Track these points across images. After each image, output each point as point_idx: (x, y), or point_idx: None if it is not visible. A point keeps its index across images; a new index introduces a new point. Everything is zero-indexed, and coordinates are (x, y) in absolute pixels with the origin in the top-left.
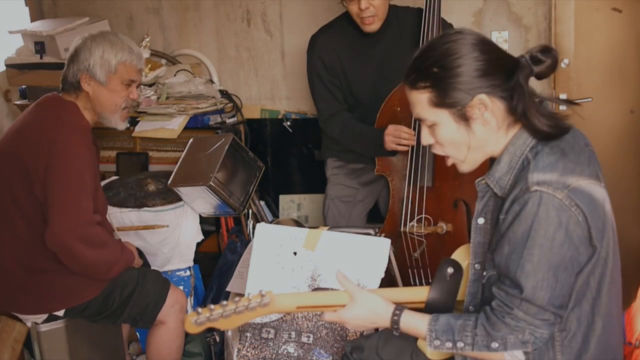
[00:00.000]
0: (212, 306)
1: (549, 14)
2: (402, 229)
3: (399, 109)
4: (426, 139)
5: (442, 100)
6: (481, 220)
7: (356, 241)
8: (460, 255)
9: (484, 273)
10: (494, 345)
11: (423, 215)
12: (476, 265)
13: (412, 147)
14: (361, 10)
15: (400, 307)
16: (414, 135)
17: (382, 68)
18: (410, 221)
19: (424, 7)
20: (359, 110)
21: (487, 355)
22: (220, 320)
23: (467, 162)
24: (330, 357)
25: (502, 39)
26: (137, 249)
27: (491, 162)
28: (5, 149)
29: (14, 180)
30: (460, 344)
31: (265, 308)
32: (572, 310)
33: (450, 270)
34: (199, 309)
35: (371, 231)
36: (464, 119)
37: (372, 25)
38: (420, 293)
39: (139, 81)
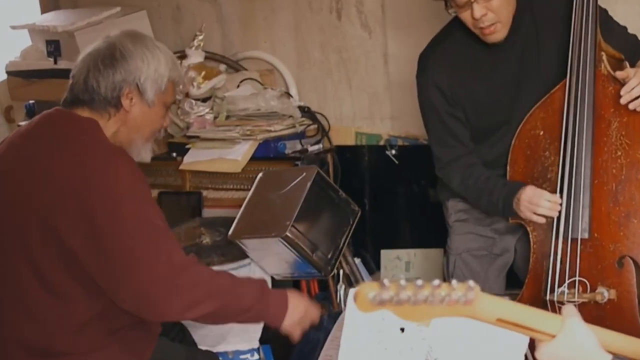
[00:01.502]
0: (402, 282)
1: None
2: (547, 297)
3: (541, 132)
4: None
5: None
6: None
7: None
8: None
9: None
10: None
11: (577, 278)
12: None
13: (561, 184)
14: (476, 20)
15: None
16: (559, 203)
17: (519, 84)
18: (560, 286)
19: None
20: (488, 143)
21: None
22: (405, 306)
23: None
24: None
25: None
26: (180, 323)
27: None
28: (10, 196)
29: (34, 241)
30: None
31: (467, 307)
32: None
33: None
34: (385, 281)
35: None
36: None
37: (496, 35)
38: None
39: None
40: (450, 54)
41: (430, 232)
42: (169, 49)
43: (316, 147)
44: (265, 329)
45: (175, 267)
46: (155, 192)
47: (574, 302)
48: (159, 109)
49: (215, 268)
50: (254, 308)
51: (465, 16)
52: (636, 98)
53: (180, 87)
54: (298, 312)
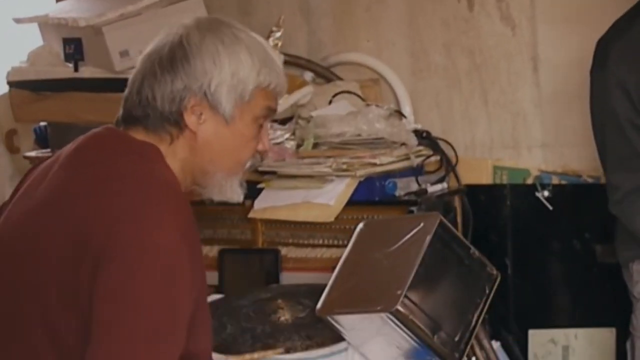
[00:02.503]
0: None
1: None
2: None
3: None
4: None
5: None
6: None
7: None
8: None
9: None
10: None
11: None
12: None
13: None
14: None
15: None
16: None
17: None
18: None
19: None
20: None
21: None
22: None
23: None
24: None
25: None
26: None
27: None
28: (28, 237)
29: (50, 292)
30: None
31: None
32: None
33: None
34: None
35: None
36: None
37: None
38: None
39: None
40: (638, 46)
41: (597, 306)
42: None
43: (439, 186)
44: None
45: None
46: (214, 250)
47: None
48: (244, 126)
49: (299, 355)
50: None
51: None
52: None
53: (283, 93)
54: None
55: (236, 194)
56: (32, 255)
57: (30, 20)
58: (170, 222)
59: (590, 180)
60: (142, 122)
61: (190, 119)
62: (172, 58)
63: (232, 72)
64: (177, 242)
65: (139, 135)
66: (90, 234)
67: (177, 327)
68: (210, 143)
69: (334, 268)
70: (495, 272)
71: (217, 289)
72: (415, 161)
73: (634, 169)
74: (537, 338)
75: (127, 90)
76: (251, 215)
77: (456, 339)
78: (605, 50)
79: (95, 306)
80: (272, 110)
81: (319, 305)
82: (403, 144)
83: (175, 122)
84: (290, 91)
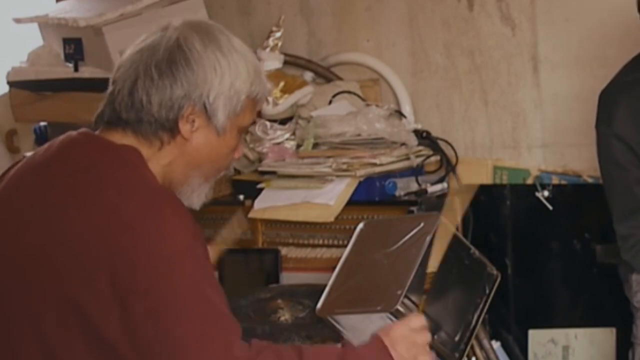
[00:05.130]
0: None
1: None
2: None
3: None
4: None
5: None
6: None
7: None
8: None
9: None
10: None
11: None
12: None
13: None
14: None
15: None
16: None
17: None
18: None
19: None
20: None
21: None
22: None
23: None
24: None
25: None
26: None
27: None
28: (17, 259)
29: (48, 321)
30: None
31: None
32: None
33: None
34: None
35: None
36: None
37: None
38: None
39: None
40: None
41: (597, 306)
42: None
43: (439, 187)
44: None
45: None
46: (214, 250)
47: None
48: (231, 138)
49: None
50: None
51: None
52: None
53: (262, 104)
54: (404, 348)
55: (200, 201)
56: (25, 267)
57: (30, 20)
58: (176, 220)
59: (590, 180)
60: (132, 125)
61: (184, 128)
62: (171, 62)
63: (231, 82)
64: (187, 237)
65: (126, 138)
66: (96, 246)
67: (216, 300)
68: (199, 151)
69: (334, 268)
70: (495, 272)
71: None
72: (415, 161)
73: (632, 192)
74: (537, 338)
75: (113, 88)
76: (251, 215)
77: (456, 339)
78: (614, 106)
79: (133, 314)
80: (254, 123)
81: (318, 305)
82: (403, 144)
83: (169, 129)
84: (290, 91)
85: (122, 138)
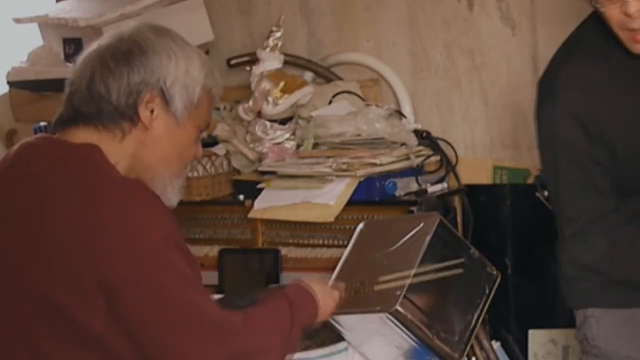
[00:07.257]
0: None
1: None
2: None
3: None
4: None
5: None
6: None
7: None
8: None
9: None
10: None
11: None
12: None
13: None
14: (628, 17)
15: None
16: None
17: None
18: None
19: None
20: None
21: None
22: None
23: None
24: None
25: None
26: None
27: None
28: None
29: (34, 322)
30: None
31: None
32: None
33: None
34: None
35: None
36: None
37: None
38: None
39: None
40: (583, 71)
41: None
42: (235, 50)
43: (439, 186)
44: None
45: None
46: (214, 250)
47: None
48: (189, 130)
49: (299, 355)
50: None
51: (612, 13)
52: None
53: (217, 103)
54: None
55: (175, 199)
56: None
57: (30, 20)
58: (154, 209)
59: None
60: (92, 118)
61: (144, 114)
62: (127, 52)
63: (186, 69)
64: (167, 226)
65: (88, 134)
66: (75, 248)
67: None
68: (161, 139)
69: (334, 268)
70: (495, 272)
71: (217, 289)
72: (415, 161)
73: (590, 198)
74: (537, 338)
75: (70, 89)
76: (251, 215)
77: (456, 339)
78: (552, 83)
79: (120, 310)
80: (207, 126)
81: None
82: (403, 144)
83: (129, 116)
84: (290, 91)
85: (83, 133)
